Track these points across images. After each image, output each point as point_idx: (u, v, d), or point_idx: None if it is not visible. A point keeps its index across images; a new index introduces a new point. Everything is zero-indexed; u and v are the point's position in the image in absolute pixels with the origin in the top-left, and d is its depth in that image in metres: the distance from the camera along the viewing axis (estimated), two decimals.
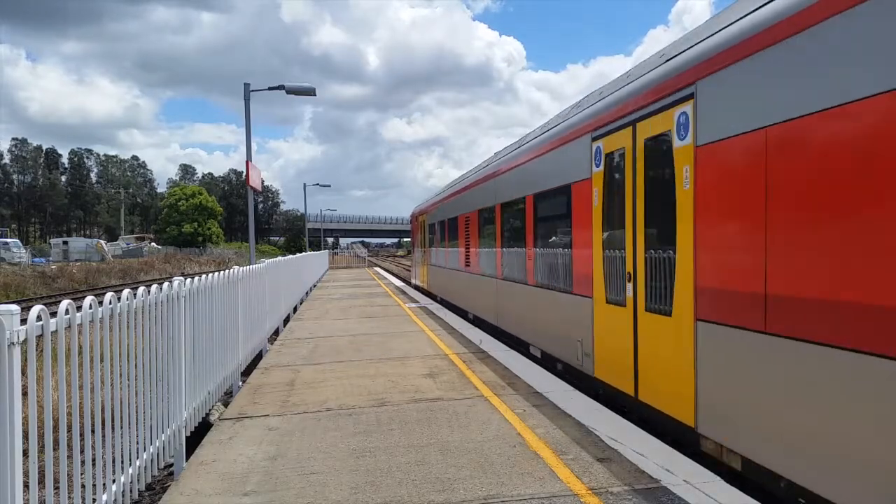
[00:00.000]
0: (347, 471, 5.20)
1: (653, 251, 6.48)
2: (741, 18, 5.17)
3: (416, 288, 27.83)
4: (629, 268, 6.95)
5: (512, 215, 11.98)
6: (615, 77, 8.86)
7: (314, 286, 28.37)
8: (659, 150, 6.34)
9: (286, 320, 15.61)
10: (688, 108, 5.79)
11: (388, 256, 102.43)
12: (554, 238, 9.62)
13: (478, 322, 14.90)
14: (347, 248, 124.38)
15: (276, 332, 13.79)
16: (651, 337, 6.53)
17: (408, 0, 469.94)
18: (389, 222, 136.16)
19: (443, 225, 20.62)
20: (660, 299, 6.33)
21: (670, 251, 6.08)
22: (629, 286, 6.98)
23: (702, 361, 5.57)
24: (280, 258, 15.89)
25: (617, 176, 7.35)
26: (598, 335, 7.92)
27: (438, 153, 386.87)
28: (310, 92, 16.43)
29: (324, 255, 45.29)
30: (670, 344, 6.10)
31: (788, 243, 4.48)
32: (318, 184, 59.98)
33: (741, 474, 5.07)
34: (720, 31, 5.50)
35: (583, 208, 8.27)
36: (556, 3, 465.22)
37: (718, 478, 4.77)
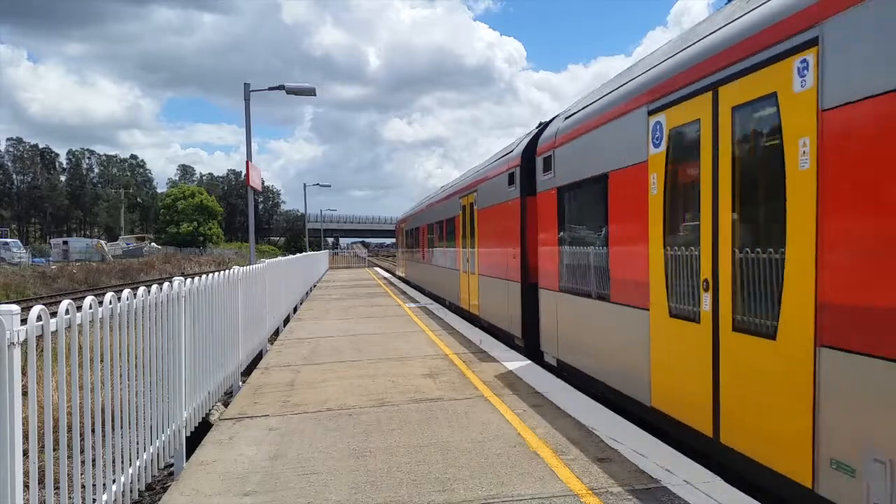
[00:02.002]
0: (348, 471, 5.20)
1: (475, 249, 14.82)
2: (491, 164, 14.11)
3: (399, 278, 36.21)
4: (467, 256, 15.86)
5: (439, 229, 20.89)
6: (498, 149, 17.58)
7: (314, 286, 28.38)
8: (469, 206, 15.56)
9: (286, 320, 15.61)
10: (475, 194, 14.72)
11: (388, 256, 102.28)
12: (452, 242, 18.29)
13: (432, 296, 22.55)
14: (347, 248, 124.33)
15: (277, 332, 13.79)
16: (473, 285, 15.24)
17: (409, 1, 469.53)
18: (389, 222, 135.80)
19: (412, 232, 29.60)
20: (473, 268, 15.12)
21: (474, 248, 14.90)
22: (468, 263, 15.79)
23: (481, 291, 14.23)
24: (280, 258, 15.89)
25: (464, 215, 16.32)
26: (461, 288, 16.87)
27: (439, 153, 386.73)
28: (310, 92, 16.42)
29: (324, 255, 45.28)
30: (475, 286, 14.88)
31: (493, 246, 13.05)
32: (318, 184, 60.00)
33: (486, 328, 13.39)
34: (487, 167, 14.19)
35: (458, 227, 17.19)
36: (557, 3, 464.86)
37: (718, 478, 4.78)
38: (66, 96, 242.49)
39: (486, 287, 13.81)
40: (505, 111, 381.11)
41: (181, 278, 6.02)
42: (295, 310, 18.20)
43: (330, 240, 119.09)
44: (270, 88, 15.90)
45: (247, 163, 15.01)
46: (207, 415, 6.98)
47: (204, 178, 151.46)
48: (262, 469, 5.32)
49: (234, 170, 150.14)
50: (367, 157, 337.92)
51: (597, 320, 7.74)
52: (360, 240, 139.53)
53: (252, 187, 15.15)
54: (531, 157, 10.51)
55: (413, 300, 20.97)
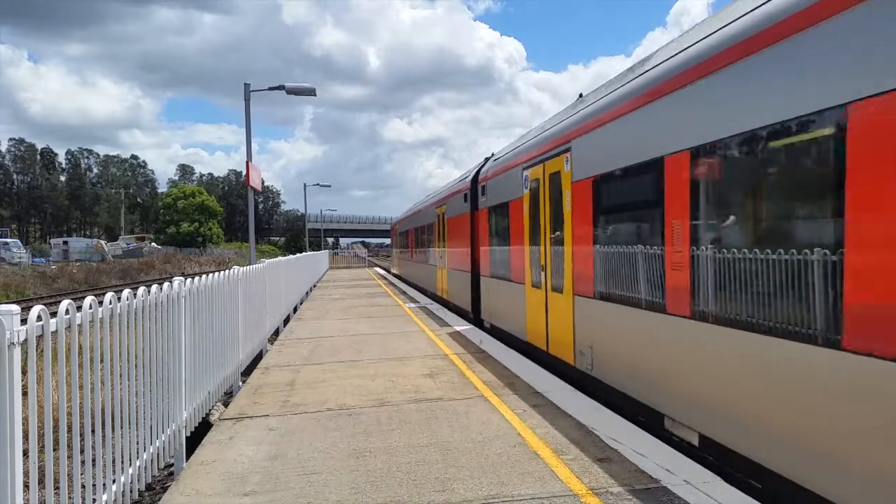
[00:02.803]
0: (347, 471, 5.20)
1: (444, 248, 19.66)
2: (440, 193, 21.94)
3: (393, 275, 40.97)
4: (440, 254, 20.43)
5: (422, 232, 25.78)
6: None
7: (314, 286, 28.38)
8: (441, 215, 19.92)
9: (286, 320, 15.61)
10: (446, 206, 19.08)
11: (388, 256, 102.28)
12: (431, 243, 22.82)
13: (417, 288, 26.89)
14: (347, 248, 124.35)
15: (277, 332, 13.79)
16: (444, 277, 19.81)
17: (409, 1, 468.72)
18: (389, 222, 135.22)
19: (403, 235, 35.39)
20: (444, 264, 19.59)
21: (444, 248, 19.53)
22: (441, 260, 20.31)
23: (449, 281, 18.89)
24: (280, 258, 15.89)
25: (439, 222, 20.54)
26: (436, 279, 21.36)
27: (439, 153, 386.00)
28: (310, 92, 16.42)
29: (324, 255, 45.32)
30: (445, 277, 19.62)
31: (456, 247, 17.69)
32: (318, 184, 60.17)
33: (452, 309, 17.54)
34: (454, 185, 19.05)
35: (435, 231, 21.38)
36: (557, 3, 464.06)
37: (718, 478, 4.78)
38: (67, 96, 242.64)
39: (452, 278, 18.54)
40: (505, 111, 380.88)
41: (181, 278, 6.02)
42: (295, 309, 18.20)
43: (330, 240, 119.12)
44: (270, 88, 15.91)
45: (247, 163, 15.01)
46: (207, 415, 6.98)
47: (204, 177, 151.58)
48: (262, 469, 5.32)
49: (234, 170, 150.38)
50: (367, 157, 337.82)
51: (503, 293, 12.41)
52: (361, 240, 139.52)
53: (252, 187, 15.15)
54: (476, 183, 15.02)
55: (413, 300, 20.97)
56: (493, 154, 15.04)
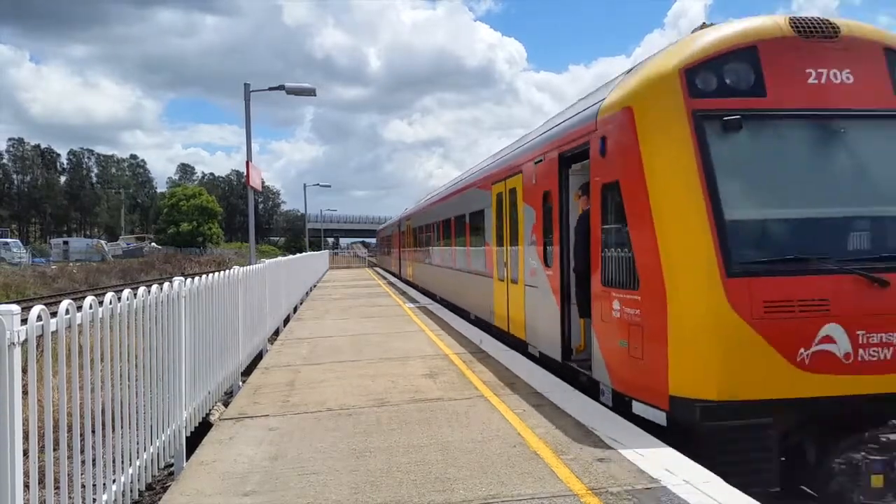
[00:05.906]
0: (347, 471, 5.20)
1: (396, 248, 39.44)
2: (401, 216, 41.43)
3: (379, 268, 56.72)
4: (395, 251, 40.70)
5: (389, 239, 47.24)
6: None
7: (314, 286, 28.40)
8: (394, 231, 42.10)
9: (286, 320, 15.61)
10: (394, 228, 42.49)
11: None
12: (392, 245, 43.85)
13: (387, 271, 46.28)
14: (348, 249, 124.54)
15: (277, 332, 13.79)
16: (395, 261, 40.79)
17: (410, 2, 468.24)
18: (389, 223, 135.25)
19: (381, 239, 59.37)
20: (394, 255, 41.89)
21: (398, 248, 38.67)
22: (395, 253, 40.95)
23: (394, 262, 41.68)
24: (280, 258, 15.90)
25: (392, 235, 43.66)
26: (391, 263, 44.16)
27: (439, 154, 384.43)
28: (310, 92, 16.42)
29: (324, 255, 45.37)
30: (395, 262, 41.27)
31: (396, 247, 40.56)
32: (318, 184, 60.24)
33: (392, 273, 42.87)
34: (398, 219, 41.01)
35: (392, 239, 42.81)
36: (558, 3, 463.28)
37: (718, 478, 4.78)
38: (69, 97, 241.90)
39: (397, 261, 37.20)
40: (505, 111, 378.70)
41: (181, 278, 6.02)
42: (295, 309, 18.20)
43: (330, 240, 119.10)
44: (270, 88, 15.92)
45: (247, 163, 15.02)
46: (207, 415, 6.99)
47: (205, 177, 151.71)
48: (263, 469, 5.32)
49: (235, 170, 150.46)
50: (367, 157, 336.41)
51: (405, 265, 33.12)
52: (361, 240, 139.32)
53: (252, 187, 15.16)
54: (401, 220, 35.07)
55: (413, 300, 20.98)
56: (406, 208, 34.74)
